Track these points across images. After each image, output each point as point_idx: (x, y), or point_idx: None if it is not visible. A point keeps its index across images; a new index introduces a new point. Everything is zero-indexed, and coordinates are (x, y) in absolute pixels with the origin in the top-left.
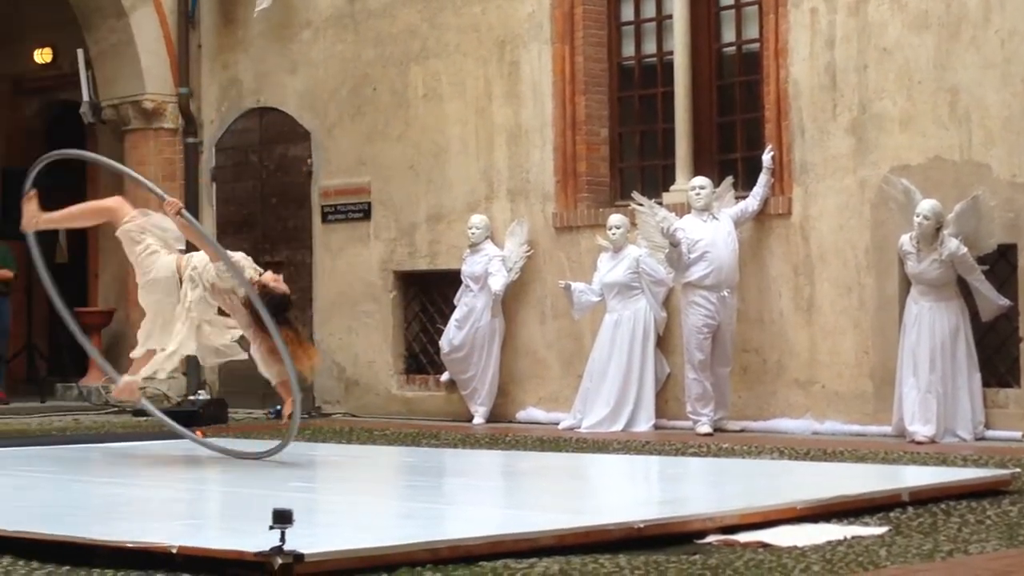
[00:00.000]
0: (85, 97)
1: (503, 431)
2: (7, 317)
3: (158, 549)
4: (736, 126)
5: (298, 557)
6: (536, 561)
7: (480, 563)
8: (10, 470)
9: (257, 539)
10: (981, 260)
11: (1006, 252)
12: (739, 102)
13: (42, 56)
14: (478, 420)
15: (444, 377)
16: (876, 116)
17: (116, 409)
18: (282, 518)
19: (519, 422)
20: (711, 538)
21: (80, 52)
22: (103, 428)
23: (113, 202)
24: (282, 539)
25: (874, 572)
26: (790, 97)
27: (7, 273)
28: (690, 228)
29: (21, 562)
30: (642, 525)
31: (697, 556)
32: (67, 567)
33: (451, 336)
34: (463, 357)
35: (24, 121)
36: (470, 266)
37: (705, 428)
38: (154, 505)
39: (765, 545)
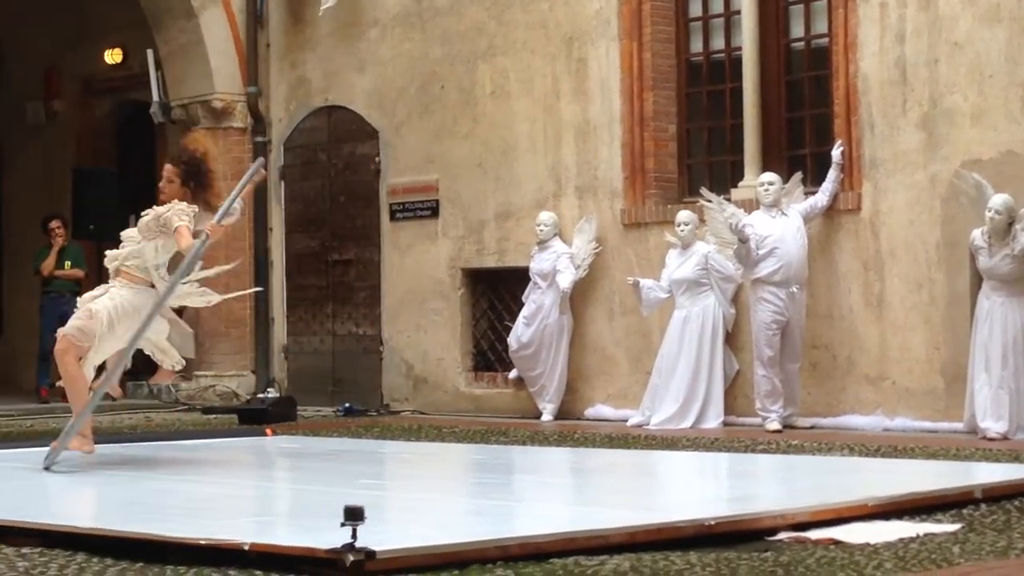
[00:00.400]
0: (155, 97)
1: (571, 428)
2: None
3: (230, 546)
4: (805, 121)
5: (370, 554)
6: (607, 558)
7: (551, 560)
8: (83, 468)
9: (328, 536)
10: None
11: None
12: (808, 97)
13: (112, 57)
14: (546, 417)
15: (512, 374)
16: (947, 111)
17: (186, 407)
18: (354, 515)
19: (587, 419)
20: (782, 535)
21: (150, 52)
22: (174, 426)
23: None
24: (353, 536)
25: (947, 569)
26: (859, 92)
27: (79, 272)
28: (759, 224)
29: (95, 559)
30: (713, 522)
31: (768, 553)
32: (140, 564)
33: (519, 333)
34: (531, 354)
35: (95, 121)
36: (538, 263)
37: (774, 425)
38: (225, 502)
39: (837, 542)
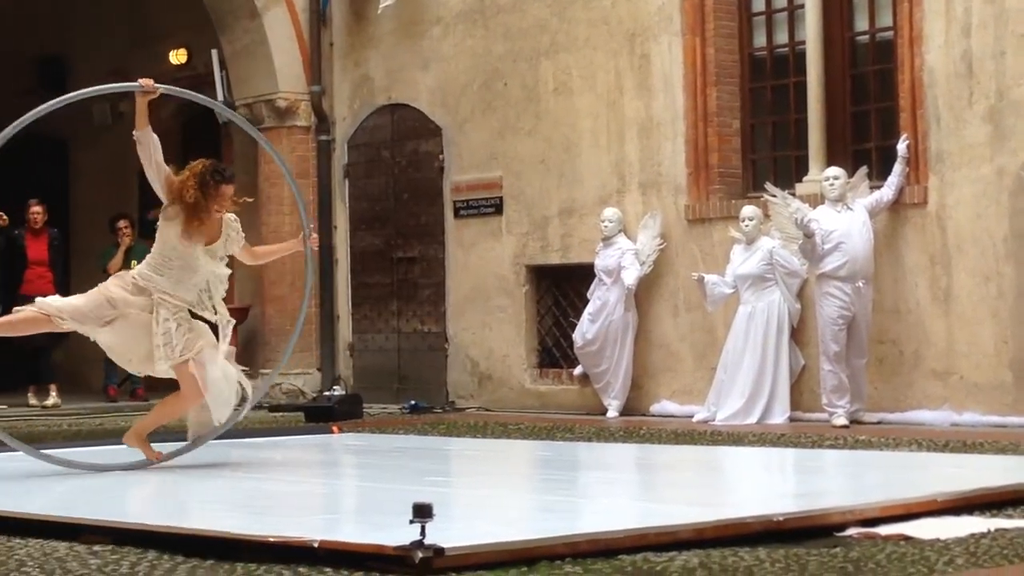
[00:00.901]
0: (219, 97)
1: (637, 424)
2: None
3: (300, 544)
4: (870, 115)
5: (438, 551)
6: (675, 554)
7: (619, 556)
8: (152, 466)
9: (396, 533)
10: None
11: None
12: (873, 91)
13: (177, 57)
14: (612, 413)
15: (577, 371)
16: (1014, 103)
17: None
18: (422, 512)
19: (653, 415)
20: (851, 531)
21: (214, 52)
22: (240, 423)
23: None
24: (422, 533)
25: (1019, 565)
26: (925, 85)
27: None
28: (824, 219)
29: (166, 556)
30: (782, 518)
31: (838, 549)
32: (211, 561)
33: (584, 330)
34: (596, 351)
35: (160, 122)
36: (603, 259)
37: (841, 420)
38: (293, 500)
39: (907, 538)
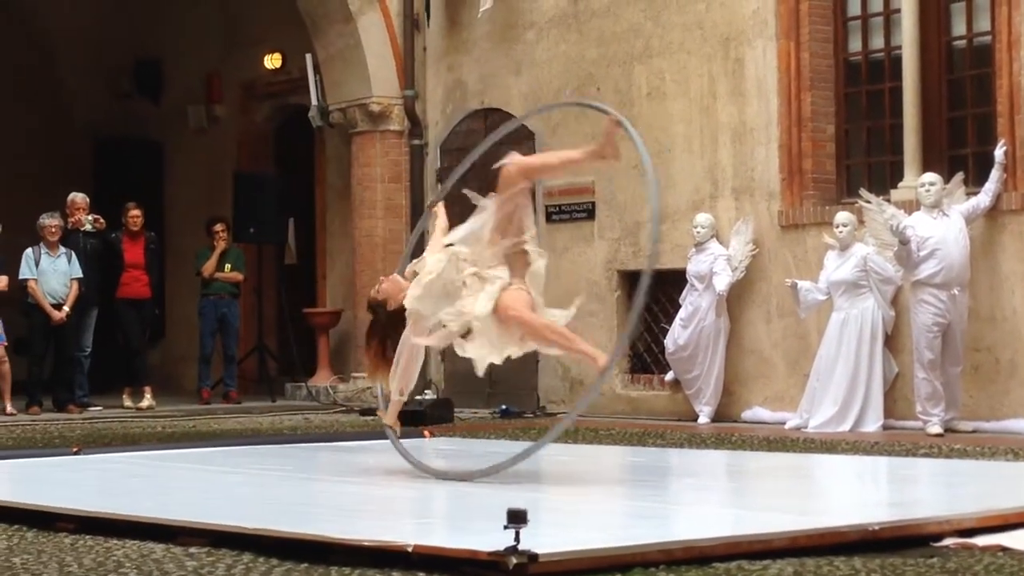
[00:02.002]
0: (314, 101)
1: (729, 431)
2: (237, 319)
3: (394, 548)
4: (966, 121)
5: (532, 557)
6: (770, 563)
7: (713, 564)
8: (245, 469)
9: (489, 538)
10: None
11: None
12: (969, 96)
13: (272, 62)
14: (703, 420)
15: (669, 376)
16: None
17: (344, 408)
18: (517, 518)
19: (744, 422)
20: (947, 541)
21: (309, 57)
22: (332, 427)
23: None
24: (516, 538)
25: None
26: (1023, 90)
27: (238, 275)
28: (919, 225)
29: (261, 559)
30: (877, 527)
31: (935, 559)
32: (305, 564)
33: (676, 335)
34: (688, 356)
35: (254, 126)
36: (695, 265)
37: (936, 428)
38: (385, 504)
39: (1004, 549)
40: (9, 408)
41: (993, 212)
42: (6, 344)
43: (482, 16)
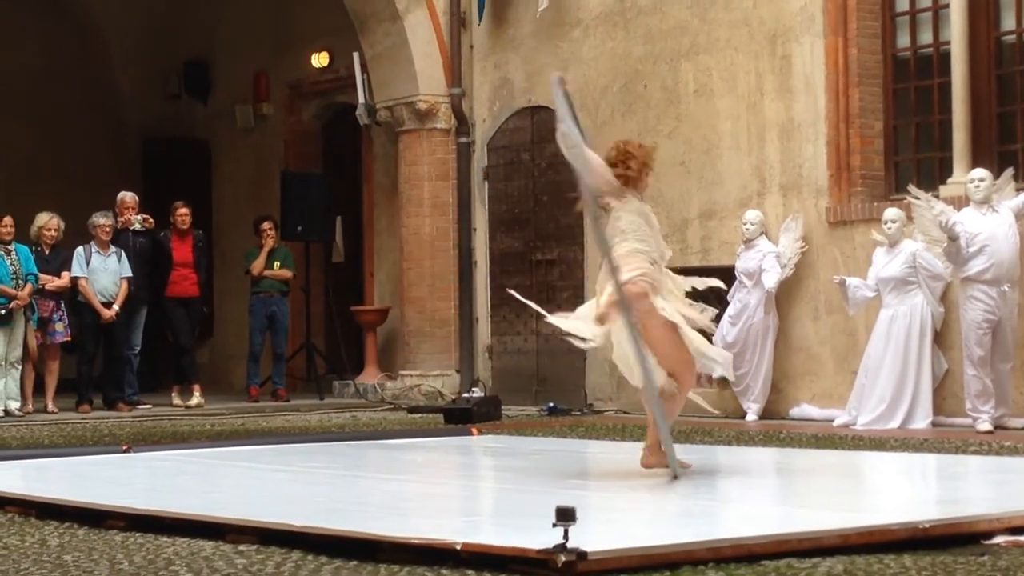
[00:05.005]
0: (361, 99)
1: (776, 428)
2: (287, 316)
3: (443, 546)
4: (1016, 116)
5: (581, 555)
6: (819, 561)
7: (762, 562)
8: (294, 467)
9: (538, 536)
10: None
11: None
12: (1019, 91)
13: (319, 60)
14: (751, 417)
15: (716, 373)
16: None
17: (392, 406)
18: (566, 516)
19: (792, 419)
20: (998, 539)
21: (356, 55)
22: (380, 425)
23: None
24: (565, 536)
25: None
26: None
27: (287, 273)
28: (969, 221)
29: (310, 556)
30: (927, 525)
31: (985, 557)
32: (354, 562)
33: (724, 332)
34: (736, 353)
35: (302, 124)
36: (744, 262)
37: (986, 426)
38: (433, 502)
39: None
40: (51, 406)
41: None
42: (67, 339)
43: (540, 15)
